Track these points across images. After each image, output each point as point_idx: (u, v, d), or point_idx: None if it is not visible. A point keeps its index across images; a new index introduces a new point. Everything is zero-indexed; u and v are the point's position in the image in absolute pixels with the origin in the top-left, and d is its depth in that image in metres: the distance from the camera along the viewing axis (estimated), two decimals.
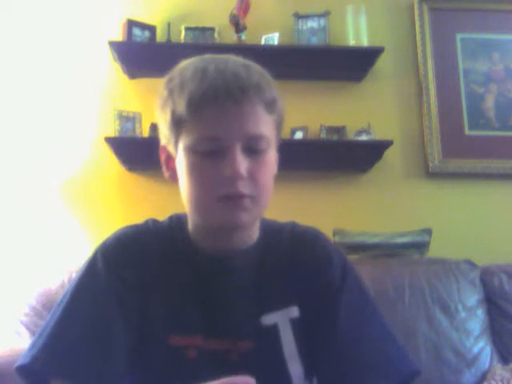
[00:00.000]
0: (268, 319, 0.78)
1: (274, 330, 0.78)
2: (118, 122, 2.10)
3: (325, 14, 2.26)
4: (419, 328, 1.69)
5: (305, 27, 2.27)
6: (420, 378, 0.77)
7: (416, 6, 2.39)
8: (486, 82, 2.35)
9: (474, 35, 2.39)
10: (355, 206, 2.22)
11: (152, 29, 2.21)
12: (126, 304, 0.75)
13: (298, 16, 2.28)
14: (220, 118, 0.71)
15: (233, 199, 0.72)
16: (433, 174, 2.27)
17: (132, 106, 2.18)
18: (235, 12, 2.17)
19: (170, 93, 0.75)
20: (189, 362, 0.76)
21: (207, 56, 0.77)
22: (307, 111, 2.24)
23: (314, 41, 2.26)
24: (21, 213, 2.04)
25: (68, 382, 0.71)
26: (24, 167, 2.09)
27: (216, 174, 0.71)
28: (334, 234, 1.96)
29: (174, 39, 2.20)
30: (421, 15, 2.38)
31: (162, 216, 0.87)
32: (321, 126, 2.20)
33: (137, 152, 2.10)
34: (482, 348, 1.71)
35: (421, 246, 1.96)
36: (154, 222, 0.85)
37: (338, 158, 2.19)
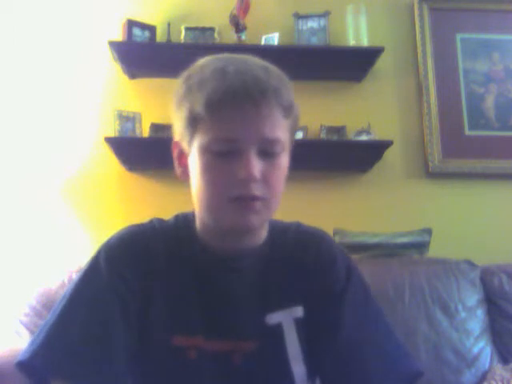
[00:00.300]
0: (272, 318, 0.78)
1: (278, 329, 0.78)
2: (118, 122, 2.10)
3: (325, 14, 2.26)
4: (419, 328, 1.69)
5: (305, 27, 2.27)
6: (420, 379, 0.77)
7: (416, 6, 2.39)
8: (486, 82, 2.35)
9: (474, 35, 2.39)
10: (355, 206, 2.22)
11: (152, 29, 2.21)
12: (127, 303, 0.75)
13: (298, 16, 2.28)
14: (238, 120, 0.70)
15: (245, 201, 0.72)
16: (433, 174, 2.27)
17: (132, 106, 2.18)
18: (235, 12, 2.17)
19: (188, 90, 0.74)
20: (189, 363, 0.76)
21: (226, 55, 0.77)
22: (307, 111, 2.19)
23: (314, 41, 2.26)
24: (21, 213, 2.04)
25: (68, 382, 0.71)
26: (24, 167, 2.09)
27: (229, 174, 0.71)
28: (334, 234, 1.96)
29: (173, 39, 2.19)
30: (421, 15, 2.38)
31: (161, 216, 0.87)
32: (321, 125, 2.20)
33: (137, 152, 2.11)
34: (482, 348, 1.72)
35: (421, 246, 1.96)
36: (160, 221, 0.85)
37: (337, 158, 2.19)
